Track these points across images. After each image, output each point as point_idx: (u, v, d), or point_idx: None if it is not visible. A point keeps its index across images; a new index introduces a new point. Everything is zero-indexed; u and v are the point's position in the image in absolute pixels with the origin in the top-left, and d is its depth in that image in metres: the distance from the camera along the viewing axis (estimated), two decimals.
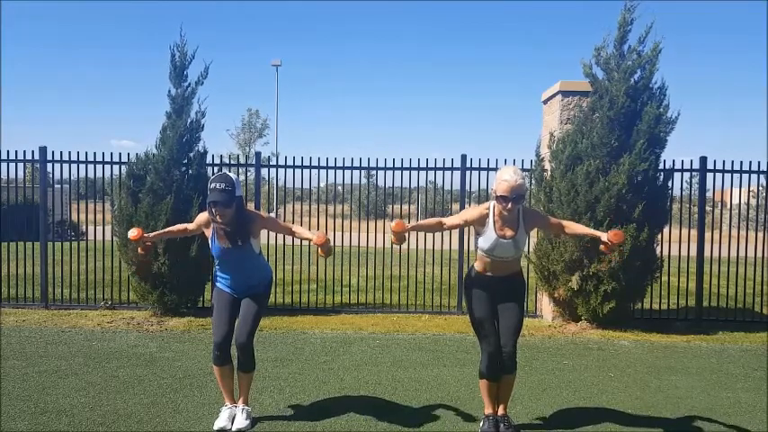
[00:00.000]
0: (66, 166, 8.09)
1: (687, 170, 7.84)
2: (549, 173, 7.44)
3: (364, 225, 9.24)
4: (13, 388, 4.68)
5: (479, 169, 8.06)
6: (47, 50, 78.25)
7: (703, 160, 7.80)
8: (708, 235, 7.98)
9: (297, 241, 4.48)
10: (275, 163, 8.72)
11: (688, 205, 9.23)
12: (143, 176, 7.52)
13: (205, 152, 7.84)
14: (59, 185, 11.86)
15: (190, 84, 7.75)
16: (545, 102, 8.34)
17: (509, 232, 3.80)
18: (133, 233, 3.97)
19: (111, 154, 8.08)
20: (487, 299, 3.90)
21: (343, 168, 8.24)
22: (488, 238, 3.80)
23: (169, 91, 7.73)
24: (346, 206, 17.73)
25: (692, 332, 7.22)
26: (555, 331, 7.17)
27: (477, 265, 3.97)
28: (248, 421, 4.02)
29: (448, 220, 3.96)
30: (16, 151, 8.13)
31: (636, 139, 6.88)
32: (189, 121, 7.68)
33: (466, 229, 4.03)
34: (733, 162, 7.76)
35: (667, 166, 7.42)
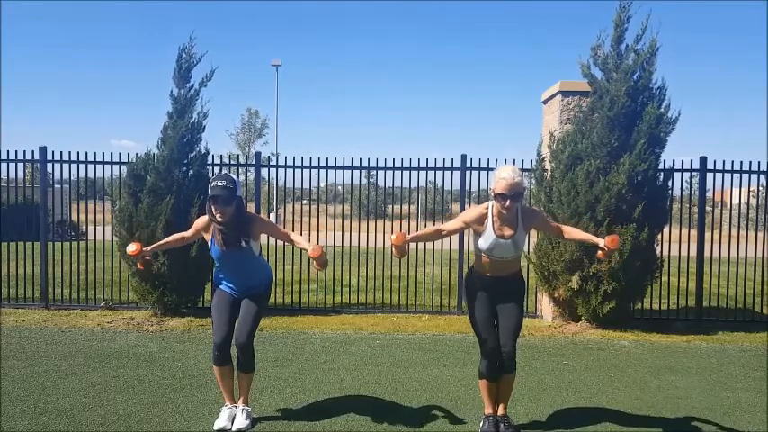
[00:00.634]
0: (66, 166, 8.11)
1: (687, 170, 7.84)
2: (550, 173, 7.44)
3: (364, 225, 9.23)
4: (13, 388, 4.68)
5: (479, 169, 8.06)
6: (47, 50, 78.36)
7: (703, 160, 7.80)
8: (708, 235, 7.98)
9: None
10: (275, 163, 8.72)
11: (688, 205, 9.23)
12: (144, 176, 7.52)
13: (206, 153, 7.85)
14: (59, 185, 11.85)
15: (193, 85, 7.76)
16: (545, 102, 8.34)
17: (508, 232, 3.80)
18: (132, 248, 3.96)
19: (111, 154, 8.09)
20: (487, 299, 3.90)
21: (343, 168, 8.24)
22: (487, 237, 3.80)
23: (171, 91, 7.73)
24: (346, 206, 17.73)
25: (692, 332, 7.22)
26: (555, 331, 7.17)
27: (477, 266, 3.97)
28: (248, 421, 4.02)
29: (446, 226, 3.96)
30: (16, 151, 8.15)
31: (636, 139, 6.88)
32: (190, 121, 7.68)
33: (465, 230, 4.03)
34: (733, 162, 7.77)
35: (667, 166, 7.42)
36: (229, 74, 68.86)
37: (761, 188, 8.25)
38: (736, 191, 8.22)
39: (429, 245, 8.70)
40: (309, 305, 8.28)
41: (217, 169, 8.16)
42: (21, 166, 8.50)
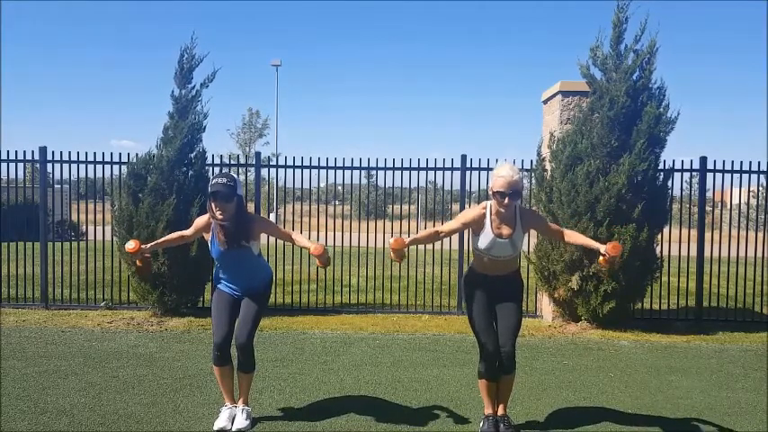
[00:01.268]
0: (66, 166, 8.10)
1: (687, 170, 7.84)
2: (550, 173, 7.44)
3: (364, 225, 9.23)
4: (13, 388, 4.68)
5: (479, 169, 8.06)
6: (47, 50, 78.37)
7: (703, 160, 7.80)
8: (708, 235, 7.98)
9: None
10: (275, 163, 8.72)
11: (688, 205, 9.22)
12: (144, 176, 7.52)
13: (205, 152, 7.84)
14: (59, 185, 11.85)
15: (195, 86, 7.76)
16: (545, 102, 8.34)
17: (506, 231, 3.80)
18: (131, 246, 3.95)
19: (111, 154, 8.10)
20: (486, 299, 3.90)
21: (343, 168, 8.24)
22: (486, 237, 3.80)
23: (173, 91, 7.73)
24: (346, 206, 17.73)
25: (692, 332, 7.22)
26: (555, 331, 7.17)
27: (476, 265, 3.97)
28: (248, 421, 4.02)
29: (444, 228, 3.96)
30: (16, 151, 8.15)
31: (636, 139, 6.88)
32: (192, 122, 7.68)
33: (464, 231, 4.03)
34: (733, 162, 7.77)
35: (667, 166, 7.42)
36: (230, 74, 68.98)
37: (761, 188, 8.24)
38: (736, 191, 8.22)
39: (429, 245, 8.69)
40: (309, 305, 8.28)
41: (217, 169, 8.16)
42: (21, 166, 8.50)
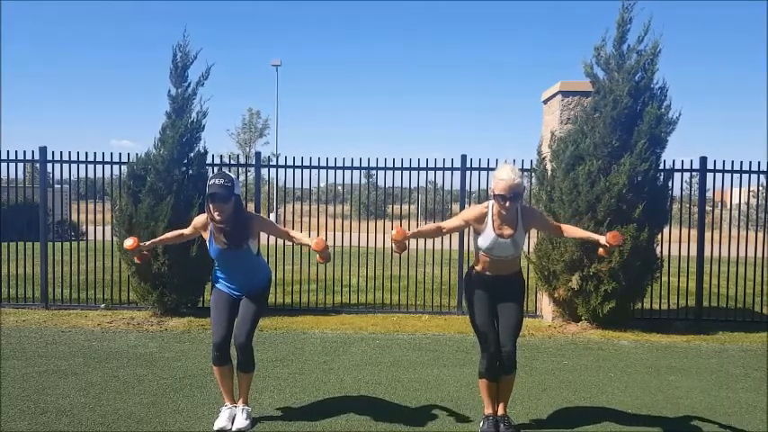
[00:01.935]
0: (66, 166, 8.10)
1: (687, 170, 7.84)
2: (550, 172, 7.44)
3: (364, 225, 9.23)
4: (13, 388, 4.68)
5: (479, 169, 8.06)
6: (47, 50, 78.35)
7: (703, 160, 7.80)
8: (708, 235, 7.98)
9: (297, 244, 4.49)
10: (275, 163, 8.71)
11: (688, 205, 9.22)
12: (143, 176, 7.51)
13: (205, 152, 7.84)
14: (59, 185, 11.85)
15: (190, 84, 7.74)
16: (545, 102, 8.34)
17: (507, 231, 3.80)
18: (129, 242, 3.95)
19: (111, 154, 8.09)
20: (487, 299, 3.90)
21: (343, 168, 8.24)
22: (487, 237, 3.80)
23: (169, 91, 7.72)
24: (346, 206, 17.73)
25: (692, 332, 7.22)
26: (555, 331, 7.17)
27: (477, 265, 3.97)
28: (248, 421, 4.02)
29: (447, 224, 3.96)
30: (16, 151, 8.14)
31: (637, 139, 6.88)
32: (189, 121, 7.68)
33: (466, 229, 4.04)
34: (733, 162, 7.77)
35: (667, 166, 7.42)
36: (230, 74, 68.92)
37: (761, 188, 8.24)
38: (736, 191, 8.22)
39: (429, 244, 8.71)
40: (309, 305, 8.28)
41: (216, 169, 8.16)
42: (21, 166, 8.50)
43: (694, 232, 8.08)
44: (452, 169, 8.15)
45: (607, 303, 6.89)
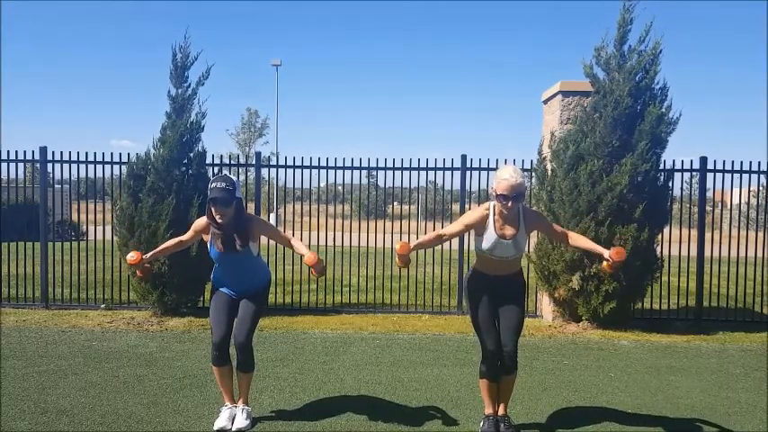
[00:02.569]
0: (66, 166, 8.10)
1: (687, 170, 7.84)
2: (551, 172, 7.44)
3: (364, 225, 9.23)
4: (13, 388, 4.68)
5: (479, 169, 8.06)
6: (47, 50, 78.36)
7: (703, 160, 7.80)
8: (708, 235, 7.98)
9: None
10: (275, 163, 8.71)
11: (688, 205, 9.23)
12: (143, 176, 7.51)
13: (205, 152, 7.84)
14: (59, 185, 11.86)
15: (190, 84, 7.75)
16: (545, 102, 8.34)
17: (509, 231, 3.80)
18: (132, 257, 3.96)
19: (111, 154, 8.10)
20: (488, 299, 3.90)
21: (344, 168, 8.24)
22: (489, 237, 3.80)
23: (169, 91, 7.73)
24: (346, 206, 17.73)
25: (692, 332, 7.22)
26: (555, 331, 7.17)
27: (478, 266, 3.97)
28: (248, 421, 4.02)
29: (447, 230, 3.94)
30: (16, 151, 8.15)
31: (638, 140, 6.88)
32: (189, 121, 7.68)
33: (467, 233, 4.03)
34: (733, 162, 7.77)
35: (667, 167, 7.42)
36: (230, 74, 68.99)
37: (761, 188, 8.24)
38: (736, 191, 8.22)
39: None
40: (309, 305, 8.28)
41: (217, 169, 8.16)
42: (21, 166, 8.50)
43: (694, 232, 8.08)
44: (452, 169, 8.15)
45: (608, 303, 6.89)
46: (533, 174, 7.83)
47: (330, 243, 8.40)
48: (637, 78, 7.03)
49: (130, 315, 7.59)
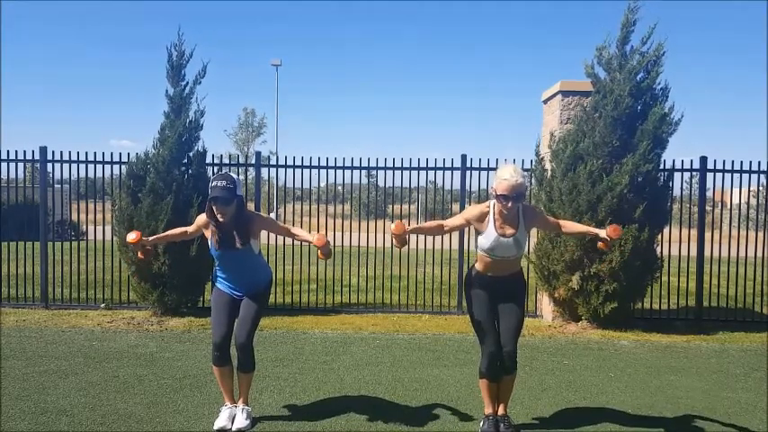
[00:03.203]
0: (66, 166, 8.11)
1: (687, 170, 7.84)
2: (550, 172, 7.44)
3: (364, 225, 9.23)
4: (13, 388, 4.68)
5: (479, 169, 8.06)
6: (47, 50, 78.35)
7: (703, 160, 7.80)
8: (708, 235, 7.98)
9: (297, 241, 4.50)
10: (275, 163, 8.71)
11: (688, 205, 9.23)
12: (143, 176, 7.51)
13: (204, 151, 7.84)
14: (59, 185, 11.85)
15: (187, 83, 7.75)
16: (545, 102, 8.34)
17: (509, 230, 3.80)
18: (132, 236, 3.95)
19: (111, 154, 8.10)
20: (488, 299, 3.90)
21: (344, 168, 8.24)
22: (489, 236, 3.80)
23: (167, 91, 7.72)
24: (346, 206, 17.73)
25: (692, 332, 7.22)
26: (555, 331, 7.17)
27: (478, 265, 3.97)
28: (248, 421, 4.02)
29: (449, 222, 3.96)
30: (16, 151, 8.15)
31: (640, 140, 6.88)
32: (188, 120, 7.68)
33: (466, 228, 4.04)
34: (733, 162, 7.77)
35: (668, 166, 7.42)
36: (229, 74, 69.00)
37: (761, 188, 8.24)
38: (736, 191, 8.22)
39: (429, 244, 8.71)
40: (309, 305, 8.28)
41: (216, 169, 8.16)
42: (21, 166, 8.50)
43: (694, 232, 8.08)
44: (452, 169, 8.15)
45: (608, 303, 6.89)
46: (533, 174, 7.83)
47: (330, 243, 8.37)
48: (638, 78, 7.04)
49: (130, 315, 7.59)
